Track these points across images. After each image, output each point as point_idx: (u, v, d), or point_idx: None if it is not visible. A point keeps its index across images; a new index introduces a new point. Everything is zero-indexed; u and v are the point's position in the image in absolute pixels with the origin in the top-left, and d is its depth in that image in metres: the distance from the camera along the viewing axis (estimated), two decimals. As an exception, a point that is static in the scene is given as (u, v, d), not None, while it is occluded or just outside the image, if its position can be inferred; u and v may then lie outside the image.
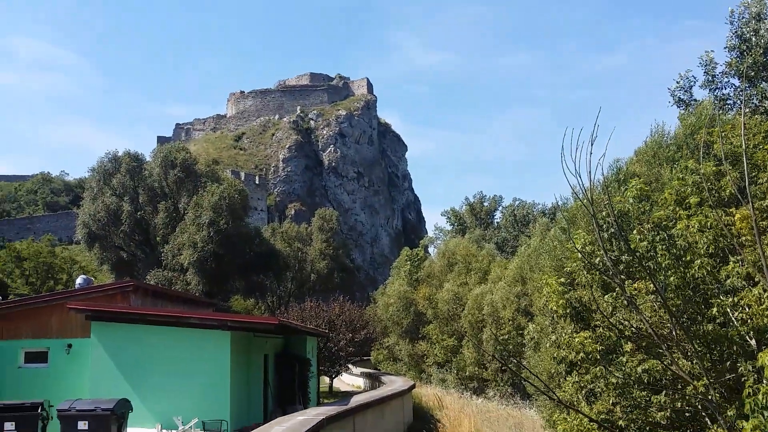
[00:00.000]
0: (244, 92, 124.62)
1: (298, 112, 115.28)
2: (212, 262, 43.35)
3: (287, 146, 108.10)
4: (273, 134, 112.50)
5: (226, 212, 44.77)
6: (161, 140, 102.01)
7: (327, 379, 36.44)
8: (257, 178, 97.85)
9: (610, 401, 11.39)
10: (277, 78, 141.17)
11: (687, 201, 13.64)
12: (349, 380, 42.91)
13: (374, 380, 34.04)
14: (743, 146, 9.63)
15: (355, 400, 18.63)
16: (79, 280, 26.52)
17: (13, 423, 14.35)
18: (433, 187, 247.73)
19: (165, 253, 45.46)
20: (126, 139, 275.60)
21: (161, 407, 17.14)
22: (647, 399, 10.83)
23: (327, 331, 30.55)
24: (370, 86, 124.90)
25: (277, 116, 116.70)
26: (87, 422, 14.37)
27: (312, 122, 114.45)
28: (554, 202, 53.58)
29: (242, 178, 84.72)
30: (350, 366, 40.18)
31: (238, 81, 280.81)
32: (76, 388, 18.31)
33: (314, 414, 14.92)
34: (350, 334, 33.71)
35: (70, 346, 19.91)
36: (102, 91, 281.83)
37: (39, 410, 14.76)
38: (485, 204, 68.07)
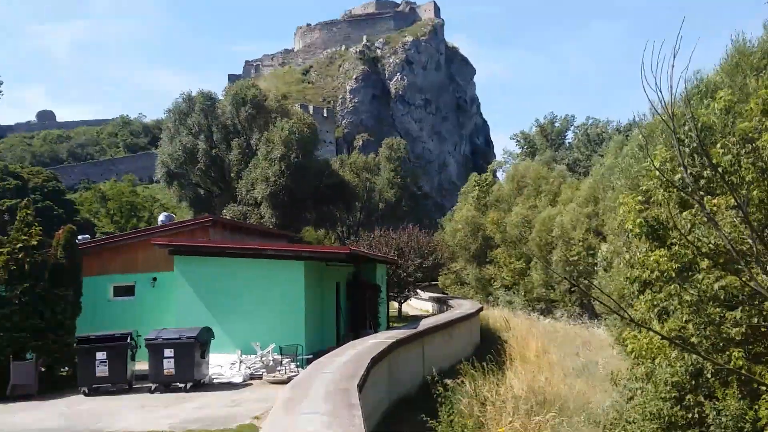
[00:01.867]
0: (310, 25, 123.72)
1: (365, 41, 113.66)
2: (284, 196, 44.29)
3: (354, 77, 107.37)
4: (340, 66, 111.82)
5: (296, 146, 45.33)
6: (232, 78, 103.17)
7: (396, 304, 37.20)
8: (325, 110, 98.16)
9: (683, 319, 11.11)
10: (344, 8, 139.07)
11: (776, 110, 12.76)
12: (418, 305, 43.73)
13: (442, 304, 34.49)
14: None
15: (424, 324, 18.97)
16: (161, 217, 27.56)
17: (105, 353, 15.40)
18: (503, 111, 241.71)
19: (239, 188, 46.69)
20: (199, 81, 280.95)
21: (241, 334, 18.01)
22: (722, 315, 10.52)
23: (396, 258, 30.94)
24: (437, 9, 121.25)
25: (343, 47, 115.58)
26: (173, 350, 15.28)
27: (378, 51, 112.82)
28: (630, 120, 51.36)
29: (311, 112, 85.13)
30: (418, 291, 40.74)
31: (305, 14, 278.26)
32: (162, 318, 19.40)
33: (385, 337, 15.32)
34: (419, 260, 34.04)
35: (155, 279, 20.99)
36: (172, 34, 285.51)
37: (128, 340, 15.75)
38: (556, 125, 66.03)
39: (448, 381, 12.73)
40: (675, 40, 7.73)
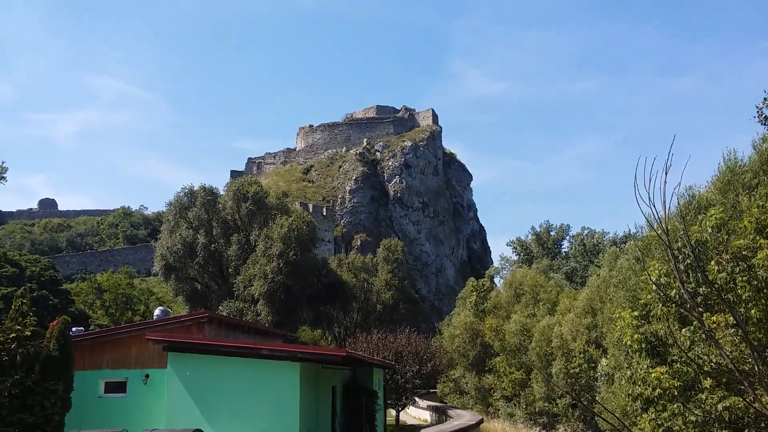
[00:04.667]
0: (312, 126, 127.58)
1: (365, 144, 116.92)
2: (281, 293, 44.10)
3: (353, 178, 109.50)
4: (340, 166, 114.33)
5: (294, 244, 45.63)
6: (234, 174, 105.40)
7: (393, 412, 36.10)
8: (324, 209, 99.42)
9: (690, 441, 10.94)
10: (345, 111, 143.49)
11: (768, 229, 13.10)
12: (416, 413, 42.51)
13: (441, 414, 33.58)
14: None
15: (425, 434, 18.46)
16: (156, 312, 27.25)
17: (95, 450, 14.92)
18: (498, 216, 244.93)
19: (237, 284, 46.51)
20: (201, 173, 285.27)
21: (232, 437, 17.47)
22: (730, 439, 10.36)
23: (393, 363, 30.44)
24: (435, 117, 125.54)
25: (344, 149, 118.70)
26: (163, 451, 14.81)
27: (378, 154, 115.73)
28: (626, 231, 52.15)
29: (310, 210, 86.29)
30: (416, 399, 39.72)
31: (307, 115, 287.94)
32: (153, 417, 18.89)
33: (382, 447, 14.90)
34: (417, 366, 33.45)
35: (147, 376, 20.55)
36: (177, 127, 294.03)
37: (118, 439, 15.29)
38: (552, 233, 67.06)
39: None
40: (666, 156, 8.17)
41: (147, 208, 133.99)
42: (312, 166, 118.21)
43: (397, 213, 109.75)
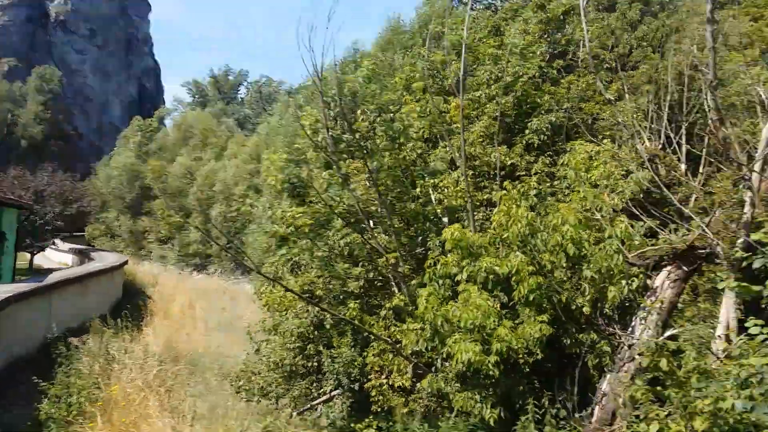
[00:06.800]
0: None
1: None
2: None
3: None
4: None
5: None
6: None
7: (28, 256, 33.29)
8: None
9: (314, 273, 11.77)
10: None
11: (413, 87, 14.33)
12: (56, 257, 39.87)
13: (83, 257, 32.01)
14: (464, 38, 10.38)
15: (54, 277, 17.03)
16: None
17: None
18: (176, 57, 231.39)
19: None
20: None
21: None
22: (348, 271, 11.35)
23: (31, 203, 27.32)
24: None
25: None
26: None
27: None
28: (301, 82, 53.62)
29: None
30: (58, 242, 37.13)
31: None
32: None
33: (1, 291, 13.22)
34: (60, 207, 30.68)
35: None
36: None
37: None
38: (231, 78, 65.55)
39: (73, 339, 11.66)
40: (329, 8, 7.93)
41: None
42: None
43: (59, 38, 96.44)
